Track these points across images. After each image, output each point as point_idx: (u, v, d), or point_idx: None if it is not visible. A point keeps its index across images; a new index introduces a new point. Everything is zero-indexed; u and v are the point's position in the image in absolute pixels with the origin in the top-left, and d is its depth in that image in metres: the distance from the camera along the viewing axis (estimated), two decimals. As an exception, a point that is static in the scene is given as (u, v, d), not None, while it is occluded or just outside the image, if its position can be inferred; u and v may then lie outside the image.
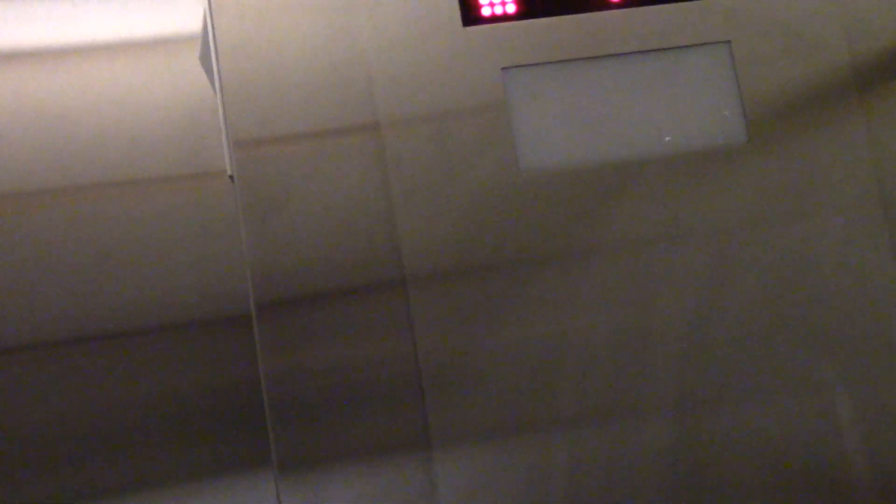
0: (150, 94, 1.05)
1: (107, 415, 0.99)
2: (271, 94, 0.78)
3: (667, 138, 0.80)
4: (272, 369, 0.75)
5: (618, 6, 0.81)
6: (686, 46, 0.82)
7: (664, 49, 0.81)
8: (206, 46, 0.85)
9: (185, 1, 1.07)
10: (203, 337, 1.02)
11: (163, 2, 1.08)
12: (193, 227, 1.03)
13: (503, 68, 0.80)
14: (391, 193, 0.78)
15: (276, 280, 0.77)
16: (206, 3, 0.80)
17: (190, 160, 1.05)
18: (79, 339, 1.00)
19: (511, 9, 0.81)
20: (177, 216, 1.03)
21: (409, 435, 0.76)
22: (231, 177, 0.79)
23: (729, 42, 0.82)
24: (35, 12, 1.05)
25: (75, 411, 0.98)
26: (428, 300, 0.77)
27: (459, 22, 0.80)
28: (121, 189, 1.03)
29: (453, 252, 0.78)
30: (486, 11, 0.80)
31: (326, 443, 0.75)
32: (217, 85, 0.80)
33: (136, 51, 1.07)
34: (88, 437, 0.98)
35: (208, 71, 0.86)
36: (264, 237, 0.77)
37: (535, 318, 0.78)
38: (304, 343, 0.76)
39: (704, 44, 0.82)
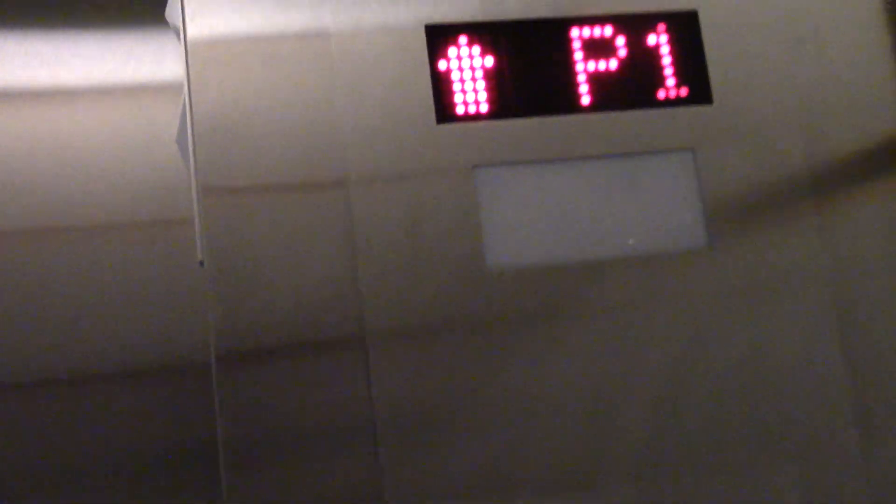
0: (118, 140, 1.06)
1: (63, 460, 0.98)
2: (244, 147, 0.80)
3: (630, 241, 0.82)
4: (229, 420, 0.76)
5: (587, 110, 0.84)
6: (652, 152, 0.84)
7: (631, 154, 0.84)
8: (183, 130, 0.86)
9: (163, 51, 1.08)
10: (163, 384, 1.02)
11: (142, 51, 1.09)
12: (160, 274, 1.04)
13: (474, 166, 0.82)
14: (358, 268, 0.79)
15: (238, 330, 0.78)
16: (183, 53, 0.82)
17: (157, 206, 1.05)
18: (42, 383, 1.00)
19: (484, 108, 0.83)
20: (143, 262, 1.04)
21: (363, 491, 0.76)
22: (201, 262, 0.80)
23: (693, 150, 0.85)
24: (7, 52, 1.06)
25: (33, 455, 0.97)
26: (387, 359, 0.78)
27: (434, 118, 0.82)
28: (86, 233, 1.03)
29: (417, 334, 0.79)
30: (459, 110, 0.83)
31: (279, 496, 0.75)
32: (190, 146, 0.81)
33: (108, 96, 1.08)
34: (46, 482, 0.97)
35: (184, 152, 0.87)
36: (228, 286, 0.78)
37: (497, 382, 0.79)
38: (261, 395, 0.77)
39: (669, 151, 0.85)
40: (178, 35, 0.89)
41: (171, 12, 0.88)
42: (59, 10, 1.08)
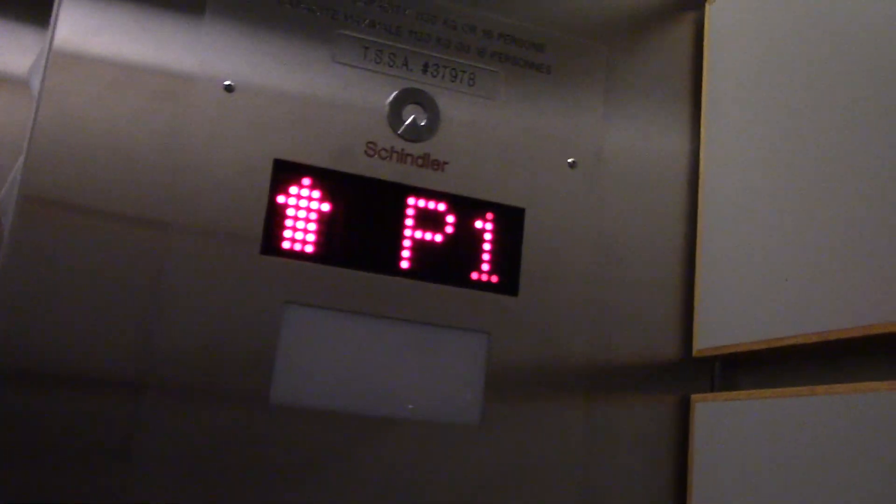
0: None
1: None
2: (78, 164, 0.81)
3: (410, 406, 0.88)
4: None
5: (405, 275, 0.89)
6: (452, 328, 0.90)
7: (432, 325, 0.90)
8: (36, 67, 0.86)
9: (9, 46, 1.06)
10: None
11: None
12: None
13: (285, 302, 0.85)
14: (160, 319, 0.81)
15: (23, 348, 0.78)
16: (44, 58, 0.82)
17: None
18: None
19: (309, 249, 0.87)
20: None
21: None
22: None
23: (489, 333, 0.92)
24: None
25: None
26: (158, 414, 0.81)
27: (259, 248, 0.85)
28: None
29: (192, 416, 0.81)
30: (285, 245, 0.86)
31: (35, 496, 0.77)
32: (23, 157, 0.82)
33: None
34: None
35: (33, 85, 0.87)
36: (22, 301, 0.78)
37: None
38: (34, 414, 0.78)
39: (468, 330, 0.91)
40: (33, 92, 0.90)
41: (32, 70, 0.88)
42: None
